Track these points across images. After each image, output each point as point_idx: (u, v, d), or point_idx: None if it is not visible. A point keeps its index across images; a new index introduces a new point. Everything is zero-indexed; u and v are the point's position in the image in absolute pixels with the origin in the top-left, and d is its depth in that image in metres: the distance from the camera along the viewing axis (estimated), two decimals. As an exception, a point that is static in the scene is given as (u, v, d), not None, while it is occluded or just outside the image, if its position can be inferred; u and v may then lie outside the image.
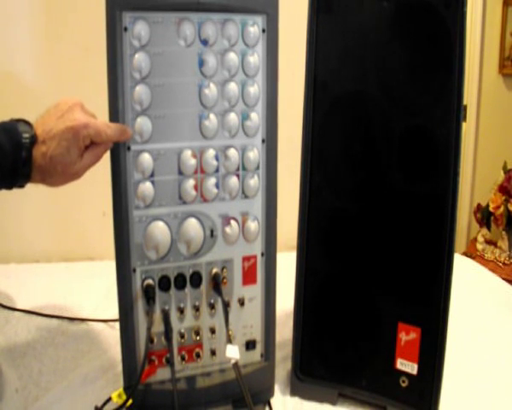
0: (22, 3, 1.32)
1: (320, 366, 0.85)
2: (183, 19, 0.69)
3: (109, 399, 0.69)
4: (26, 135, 0.66)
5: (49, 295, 1.16)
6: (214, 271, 0.77)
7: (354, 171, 0.80)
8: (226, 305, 0.77)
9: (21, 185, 0.70)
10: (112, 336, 1.00)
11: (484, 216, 2.34)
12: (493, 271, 1.51)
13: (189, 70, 0.71)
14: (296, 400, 0.85)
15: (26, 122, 0.68)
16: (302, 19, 0.78)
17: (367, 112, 0.77)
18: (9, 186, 0.69)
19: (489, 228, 2.34)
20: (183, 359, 0.77)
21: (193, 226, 0.75)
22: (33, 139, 0.67)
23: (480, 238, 2.36)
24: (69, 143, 0.67)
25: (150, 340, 0.74)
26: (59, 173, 0.69)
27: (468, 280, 1.29)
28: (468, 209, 2.54)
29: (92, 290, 1.19)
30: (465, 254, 2.17)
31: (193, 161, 0.73)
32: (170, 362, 0.73)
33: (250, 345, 0.82)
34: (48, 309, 1.09)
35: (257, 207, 0.78)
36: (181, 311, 0.76)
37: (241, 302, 0.80)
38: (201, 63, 0.71)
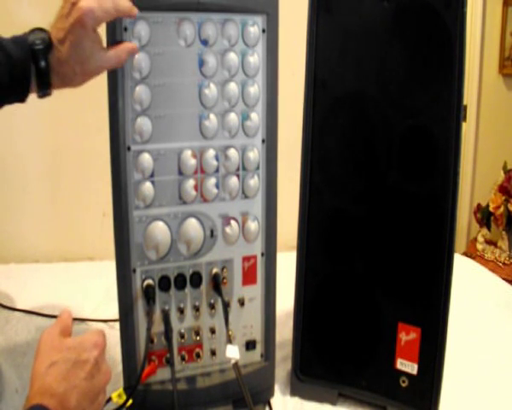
0: (22, 3, 1.32)
1: (320, 366, 0.85)
2: (183, 19, 0.69)
3: (109, 399, 0.69)
4: (39, 42, 0.63)
5: (49, 295, 1.16)
6: (214, 271, 0.77)
7: (354, 171, 0.80)
8: (226, 305, 0.77)
9: (43, 95, 0.67)
10: (112, 336, 0.99)
11: (484, 216, 2.33)
12: (493, 271, 1.51)
13: (189, 70, 0.71)
14: (296, 400, 0.85)
15: (42, 30, 0.65)
16: (302, 19, 0.78)
17: (367, 112, 0.77)
18: (22, 98, 0.66)
19: (489, 228, 2.34)
20: (183, 359, 0.77)
21: (193, 226, 0.75)
22: (48, 46, 0.63)
23: (480, 238, 2.36)
24: (80, 38, 0.63)
25: (150, 340, 0.74)
26: (79, 74, 0.66)
27: (468, 280, 1.29)
28: (468, 209, 2.54)
29: (92, 290, 1.19)
30: (465, 254, 2.17)
31: (193, 161, 0.73)
32: (170, 362, 0.73)
33: (250, 345, 0.82)
34: (48, 309, 1.09)
35: (257, 207, 0.78)
36: (181, 311, 0.76)
37: (241, 302, 0.80)
38: (201, 63, 0.71)
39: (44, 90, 0.66)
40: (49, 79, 0.65)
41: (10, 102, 0.65)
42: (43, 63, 0.63)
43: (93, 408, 0.57)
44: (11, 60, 0.61)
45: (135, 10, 0.65)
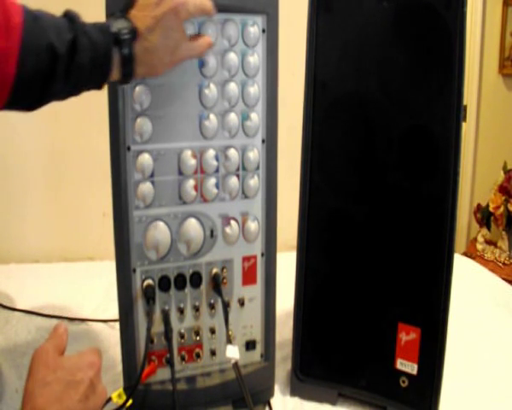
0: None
1: (320, 366, 0.85)
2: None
3: (109, 399, 0.69)
4: (126, 31, 0.62)
5: (49, 295, 1.16)
6: (214, 271, 0.77)
7: (354, 171, 0.80)
8: (226, 305, 0.77)
9: (124, 84, 0.67)
10: (112, 336, 1.00)
11: (484, 216, 2.33)
12: (493, 271, 1.51)
13: (189, 70, 0.71)
14: (296, 400, 0.85)
15: (124, 17, 0.64)
16: (302, 19, 0.78)
17: (367, 112, 0.77)
18: (100, 86, 0.65)
19: (489, 228, 2.34)
20: (183, 359, 0.77)
21: (193, 226, 0.75)
22: (134, 34, 0.63)
23: (480, 238, 2.36)
24: (172, 28, 0.63)
25: (150, 340, 0.74)
26: (165, 63, 0.66)
27: (468, 280, 1.29)
28: (468, 209, 2.54)
29: (92, 290, 1.19)
30: (465, 254, 2.17)
31: (193, 162, 0.73)
32: (170, 362, 0.73)
33: (250, 345, 0.82)
34: (48, 309, 1.09)
35: (257, 207, 0.78)
36: (181, 311, 0.76)
37: (241, 302, 0.80)
38: (201, 63, 0.71)
39: (127, 79, 0.65)
40: (133, 68, 0.64)
41: (88, 88, 0.64)
42: (128, 52, 0.62)
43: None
44: (95, 46, 0.60)
45: (215, 11, 0.67)
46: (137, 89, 0.69)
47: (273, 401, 0.84)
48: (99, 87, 0.64)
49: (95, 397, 0.55)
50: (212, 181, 0.74)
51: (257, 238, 0.79)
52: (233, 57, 0.73)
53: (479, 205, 2.38)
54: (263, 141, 0.77)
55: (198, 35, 0.69)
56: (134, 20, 0.63)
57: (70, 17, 0.60)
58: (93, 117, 1.12)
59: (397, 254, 0.78)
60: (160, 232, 0.73)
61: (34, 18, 0.56)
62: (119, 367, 0.77)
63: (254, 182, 0.77)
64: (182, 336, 0.77)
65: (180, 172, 0.73)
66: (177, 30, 0.64)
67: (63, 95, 0.62)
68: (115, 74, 0.63)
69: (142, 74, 0.66)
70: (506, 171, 2.26)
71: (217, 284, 0.76)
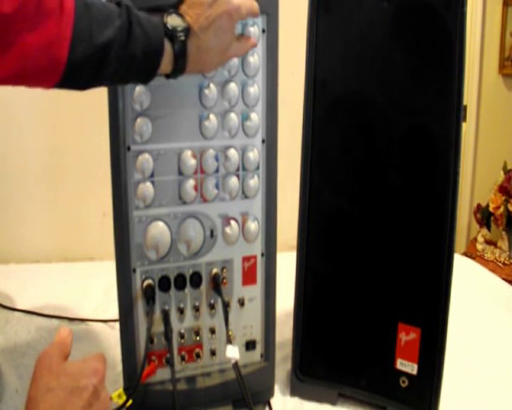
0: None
1: (320, 366, 0.85)
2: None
3: (109, 399, 0.69)
4: (180, 28, 0.63)
5: (49, 295, 1.16)
6: (214, 271, 0.77)
7: (354, 171, 0.80)
8: (226, 305, 0.77)
9: (174, 77, 0.66)
10: (112, 336, 1.00)
11: (484, 216, 2.33)
12: (493, 271, 1.51)
13: (189, 70, 0.71)
14: (296, 400, 0.85)
15: (177, 13, 0.64)
16: (302, 19, 0.78)
17: (367, 112, 0.77)
18: (147, 79, 0.65)
19: (489, 228, 2.34)
20: (183, 359, 0.77)
21: (193, 226, 0.75)
22: (188, 32, 0.63)
23: (480, 238, 2.36)
24: (225, 30, 0.65)
25: (150, 340, 0.74)
26: (215, 62, 0.68)
27: (468, 280, 1.29)
28: (468, 209, 2.54)
29: (92, 290, 1.19)
30: (465, 254, 2.17)
31: (193, 162, 0.73)
32: (170, 362, 0.73)
33: (250, 345, 0.82)
34: (48, 309, 1.09)
35: (257, 207, 0.78)
36: (181, 311, 0.76)
37: (241, 302, 0.80)
38: (201, 63, 0.71)
39: (178, 75, 0.66)
40: (185, 64, 0.64)
41: (135, 80, 0.65)
42: (181, 49, 0.63)
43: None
44: (148, 38, 0.60)
45: (258, 12, 0.69)
46: (137, 89, 0.69)
47: (273, 401, 0.84)
48: (147, 80, 0.64)
49: (98, 404, 0.54)
50: (212, 181, 0.74)
51: (257, 238, 0.79)
52: (233, 57, 0.73)
53: (479, 205, 2.38)
54: (263, 141, 0.77)
55: (243, 35, 0.71)
56: (186, 17, 0.64)
57: (125, 6, 0.60)
58: (93, 117, 1.12)
59: (397, 254, 0.78)
60: (160, 232, 0.73)
61: (86, 6, 0.56)
62: (119, 367, 0.77)
63: (254, 182, 0.77)
64: (182, 336, 0.77)
65: (180, 172, 0.73)
66: (229, 32, 0.66)
67: (115, 80, 0.62)
68: (165, 69, 0.64)
69: (192, 71, 0.67)
70: (506, 171, 2.26)
71: (217, 284, 0.76)
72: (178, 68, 0.64)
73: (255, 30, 0.73)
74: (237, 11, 0.65)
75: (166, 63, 0.63)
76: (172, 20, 0.63)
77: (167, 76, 0.66)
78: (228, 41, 0.67)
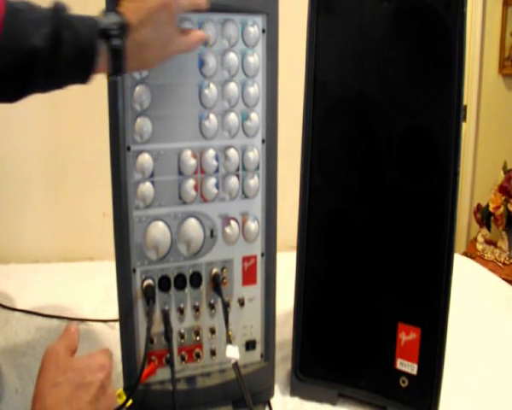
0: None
1: (320, 366, 0.85)
2: (183, 19, 0.69)
3: (116, 395, 0.69)
4: (115, 26, 0.61)
5: (49, 295, 1.16)
6: (214, 271, 0.77)
7: (354, 171, 0.80)
8: (226, 305, 0.77)
9: (115, 78, 0.66)
10: (112, 336, 1.00)
11: (484, 216, 2.34)
12: (493, 271, 1.51)
13: (189, 70, 0.71)
14: (296, 400, 0.85)
15: (116, 11, 0.63)
16: (302, 19, 0.78)
17: (367, 112, 0.77)
18: (85, 80, 0.64)
19: (489, 228, 2.34)
20: (183, 359, 0.77)
21: (193, 226, 0.75)
22: (124, 28, 0.62)
23: (480, 238, 2.36)
24: (164, 23, 0.63)
25: (150, 340, 0.74)
26: (157, 57, 0.66)
27: (468, 280, 1.29)
28: (468, 209, 2.54)
29: (92, 290, 1.18)
30: (465, 254, 2.17)
31: (193, 162, 0.73)
32: (170, 362, 0.73)
33: (250, 345, 0.82)
34: (48, 309, 1.09)
35: (257, 207, 0.78)
36: (181, 311, 0.76)
37: (241, 302, 0.80)
38: (201, 63, 0.71)
39: (118, 74, 0.65)
40: (123, 62, 0.63)
41: (74, 82, 0.64)
42: (117, 45, 0.61)
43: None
44: (79, 39, 0.59)
45: (207, 5, 0.67)
46: (137, 89, 0.69)
47: (273, 401, 0.84)
48: (85, 81, 0.63)
49: (105, 399, 0.55)
50: (212, 181, 0.74)
51: (257, 238, 0.79)
52: (233, 57, 0.73)
53: (479, 205, 2.38)
54: (263, 141, 0.77)
55: (190, 29, 0.68)
56: (126, 12, 0.62)
57: (56, 9, 0.59)
58: (93, 117, 1.12)
59: (397, 254, 0.78)
60: (160, 232, 0.73)
61: (16, 11, 0.55)
62: (119, 367, 0.77)
63: (254, 182, 0.77)
64: (182, 336, 0.77)
65: (180, 172, 0.73)
66: (168, 24, 0.64)
67: (47, 87, 0.62)
68: (103, 68, 0.62)
69: (133, 68, 0.66)
70: (506, 171, 2.26)
71: (217, 284, 0.76)
72: (117, 66, 0.63)
73: (255, 30, 0.73)
74: (176, 2, 0.63)
75: (104, 62, 0.62)
76: (107, 18, 0.62)
77: (110, 76, 0.65)
78: (168, 35, 0.64)
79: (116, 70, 0.63)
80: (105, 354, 0.58)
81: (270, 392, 0.85)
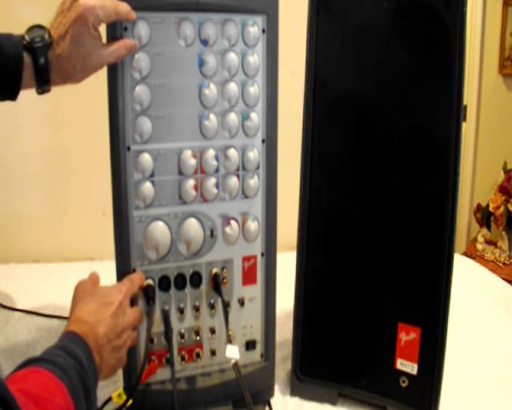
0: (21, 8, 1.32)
1: (320, 366, 0.85)
2: (183, 19, 0.69)
3: (109, 399, 0.69)
4: (38, 39, 0.63)
5: (49, 295, 1.16)
6: (214, 271, 0.77)
7: (354, 171, 0.80)
8: (226, 305, 0.77)
9: (42, 92, 0.67)
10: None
11: (484, 216, 2.34)
12: (493, 271, 1.51)
13: (189, 70, 0.71)
14: (296, 400, 0.85)
15: (41, 27, 0.65)
16: (302, 19, 0.78)
17: (367, 112, 0.77)
18: (12, 96, 0.66)
19: (489, 228, 2.34)
20: (183, 359, 0.77)
21: (193, 226, 0.75)
22: (48, 43, 0.63)
23: (480, 238, 2.36)
24: (80, 33, 0.63)
25: (150, 340, 0.74)
26: (79, 70, 0.66)
27: (468, 280, 1.29)
28: (468, 209, 2.54)
29: (92, 290, 1.18)
30: (465, 254, 2.17)
31: (193, 161, 0.73)
32: (170, 362, 0.73)
33: (250, 345, 0.82)
34: (48, 309, 1.09)
35: (257, 207, 0.78)
36: (181, 311, 0.76)
37: (241, 302, 0.80)
38: (201, 63, 0.71)
39: (44, 87, 0.66)
40: (48, 75, 0.65)
41: (2, 98, 0.66)
42: (42, 60, 0.63)
43: (118, 343, 0.65)
44: (3, 55, 0.61)
45: (133, 15, 0.66)
46: (137, 89, 0.69)
47: (273, 401, 0.84)
48: (13, 97, 0.65)
49: (124, 316, 0.67)
50: (212, 181, 0.74)
51: (257, 238, 0.79)
52: (233, 57, 0.73)
53: (479, 205, 2.38)
54: (263, 141, 0.77)
55: (116, 39, 0.67)
56: (51, 28, 0.64)
57: None
58: (93, 117, 1.12)
59: (397, 254, 0.78)
60: (160, 232, 0.73)
61: None
62: (119, 367, 0.77)
63: (254, 182, 0.77)
64: (182, 336, 0.77)
65: (180, 172, 0.73)
66: (87, 36, 0.64)
67: None
68: (30, 83, 0.64)
69: (60, 82, 0.67)
70: (506, 171, 2.26)
71: (217, 283, 0.76)
72: (42, 80, 0.64)
73: (255, 30, 0.73)
74: (91, 13, 0.62)
75: (30, 76, 0.64)
76: (32, 33, 0.63)
77: (38, 91, 0.66)
78: (88, 46, 0.64)
79: (42, 83, 0.65)
80: (123, 283, 0.70)
81: (270, 392, 0.85)
